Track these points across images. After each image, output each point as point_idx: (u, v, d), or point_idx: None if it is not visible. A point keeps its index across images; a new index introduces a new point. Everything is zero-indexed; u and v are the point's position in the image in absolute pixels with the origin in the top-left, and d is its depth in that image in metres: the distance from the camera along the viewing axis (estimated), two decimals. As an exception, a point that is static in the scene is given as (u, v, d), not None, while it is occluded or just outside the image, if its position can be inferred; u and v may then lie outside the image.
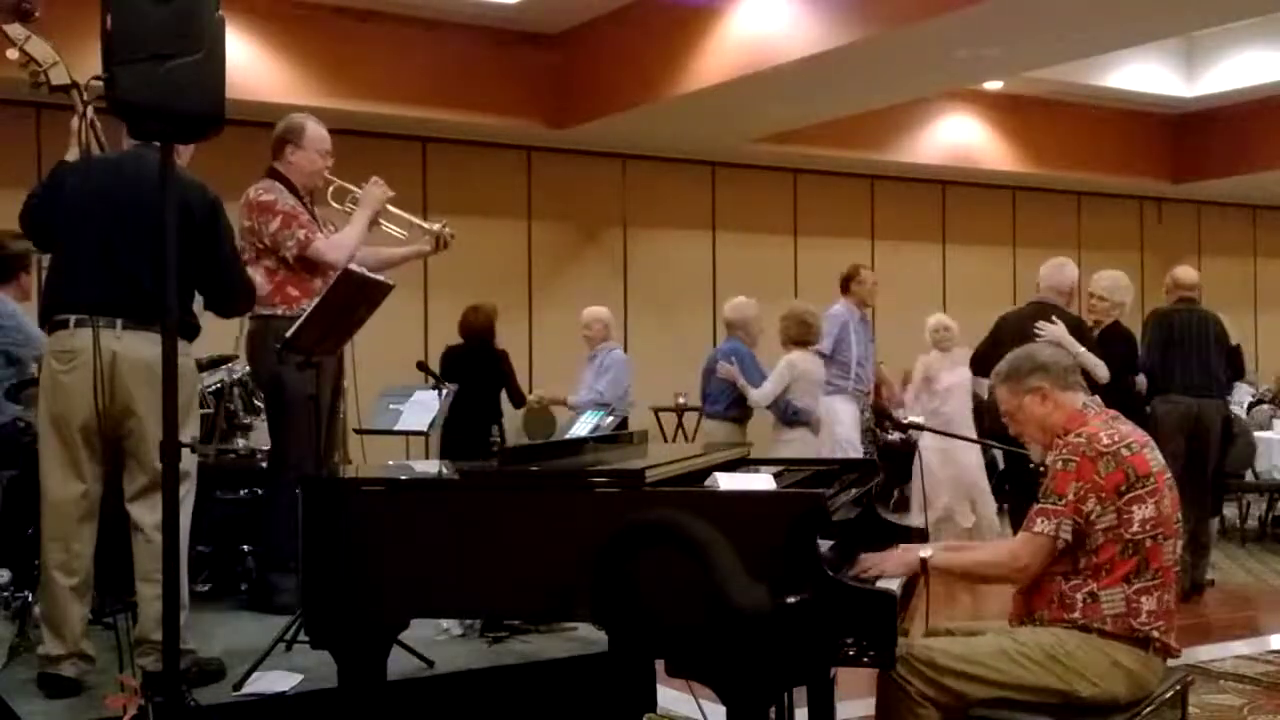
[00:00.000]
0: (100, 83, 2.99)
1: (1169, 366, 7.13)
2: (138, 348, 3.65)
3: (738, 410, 7.31)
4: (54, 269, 3.88)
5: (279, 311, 4.73)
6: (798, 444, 7.11)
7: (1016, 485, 6.20)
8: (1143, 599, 3.07)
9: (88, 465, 3.73)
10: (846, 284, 8.16)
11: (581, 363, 8.48)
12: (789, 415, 7.15)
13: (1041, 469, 3.28)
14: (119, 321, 3.67)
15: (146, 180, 3.71)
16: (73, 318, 3.72)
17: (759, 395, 7.16)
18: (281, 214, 4.76)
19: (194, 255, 3.64)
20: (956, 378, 8.18)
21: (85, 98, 3.95)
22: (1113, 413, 3.31)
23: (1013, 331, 6.09)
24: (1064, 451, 3.13)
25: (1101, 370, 6.11)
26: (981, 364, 6.55)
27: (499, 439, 7.70)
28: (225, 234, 3.90)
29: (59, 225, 3.84)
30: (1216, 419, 7.14)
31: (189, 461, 3.65)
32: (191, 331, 3.87)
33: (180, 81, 2.95)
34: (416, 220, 5.18)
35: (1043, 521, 3.09)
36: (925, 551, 3.17)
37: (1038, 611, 3.16)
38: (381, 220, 5.00)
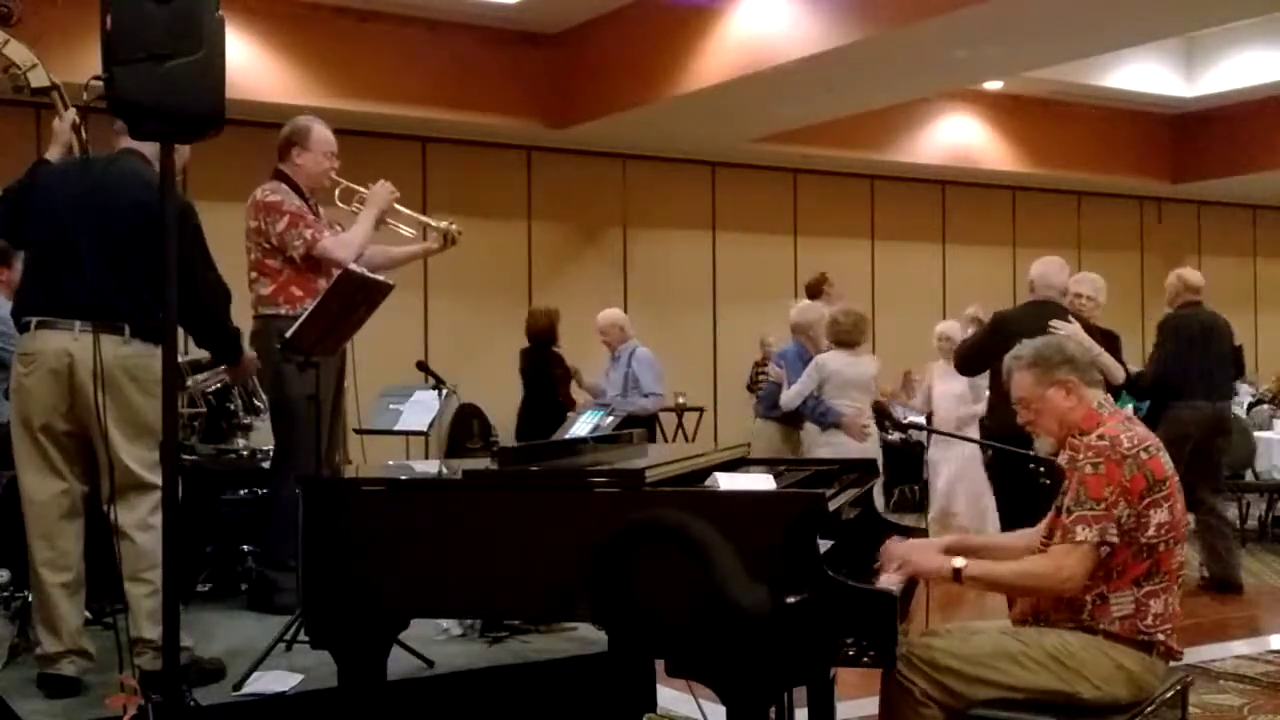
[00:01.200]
0: (100, 83, 2.99)
1: (1189, 371, 7.10)
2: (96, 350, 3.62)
3: (784, 411, 7.25)
4: (25, 271, 3.89)
5: (282, 311, 4.74)
6: (829, 449, 6.93)
7: (1013, 485, 6.05)
8: (1151, 602, 3.06)
9: (63, 464, 3.73)
10: (818, 290, 8.29)
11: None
12: (817, 416, 7.09)
13: (1041, 469, 3.27)
14: (77, 324, 3.65)
15: (117, 184, 3.71)
16: (34, 320, 3.72)
17: (784, 398, 7.09)
18: (289, 214, 4.77)
19: (159, 262, 3.58)
20: (945, 386, 8.18)
21: (67, 99, 3.95)
22: (1126, 413, 3.30)
23: (1019, 332, 5.66)
24: (1089, 455, 3.06)
25: (1118, 372, 6.01)
26: (975, 362, 6.34)
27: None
28: (192, 240, 3.81)
29: (30, 226, 3.85)
30: (1232, 420, 7.16)
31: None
32: (156, 334, 3.81)
33: (180, 81, 2.94)
34: (424, 218, 5.19)
35: (1084, 529, 3.00)
36: (960, 561, 3.06)
37: (1044, 611, 3.15)
38: (389, 219, 5.02)
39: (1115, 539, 3.01)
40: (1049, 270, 6.41)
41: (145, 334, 3.66)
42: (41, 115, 8.47)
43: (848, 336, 7.13)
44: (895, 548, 3.13)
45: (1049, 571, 3.06)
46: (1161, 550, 3.07)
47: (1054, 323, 5.75)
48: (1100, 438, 3.09)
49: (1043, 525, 3.32)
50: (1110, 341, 6.29)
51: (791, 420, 7.25)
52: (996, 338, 5.94)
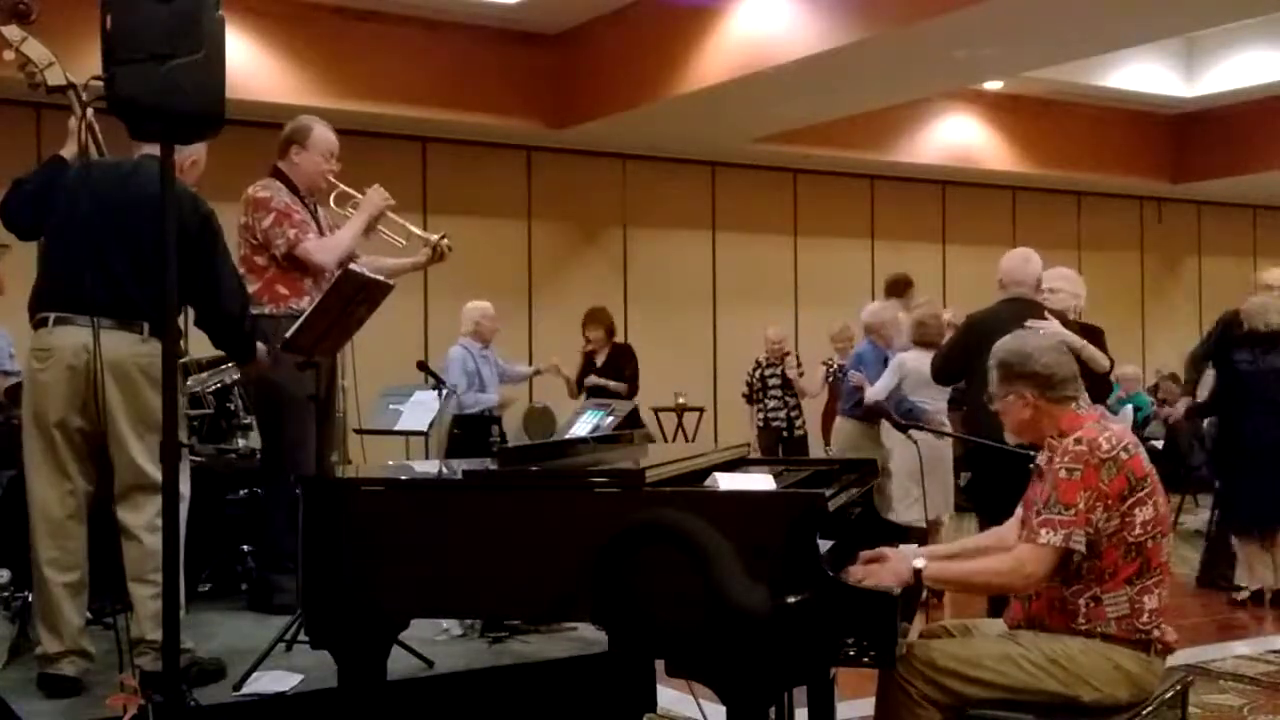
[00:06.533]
0: (100, 83, 2.99)
1: None
2: (112, 347, 3.63)
3: (864, 409, 7.55)
4: (41, 270, 3.88)
5: (266, 310, 4.72)
6: (912, 446, 6.96)
7: (997, 488, 5.62)
8: (1145, 598, 3.06)
9: (72, 463, 3.72)
10: (902, 290, 8.68)
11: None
12: (902, 412, 7.21)
13: (1033, 466, 3.27)
14: (95, 320, 3.65)
15: (142, 187, 3.71)
16: (52, 315, 3.72)
17: (869, 394, 7.41)
18: (275, 211, 4.77)
19: (183, 267, 3.60)
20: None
21: (82, 98, 3.95)
22: (1100, 410, 3.28)
23: (995, 334, 5.04)
24: (1065, 460, 3.06)
25: (1103, 361, 5.84)
26: (951, 372, 6.05)
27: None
28: (217, 248, 3.84)
29: (49, 223, 3.84)
30: None
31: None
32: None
33: (180, 81, 2.95)
34: (415, 229, 5.16)
35: (1048, 532, 3.00)
36: (919, 562, 3.03)
37: (1039, 617, 3.14)
38: (380, 227, 5.00)
39: (1082, 546, 3.00)
40: (1014, 265, 6.02)
41: (163, 333, 3.67)
42: (42, 115, 8.48)
43: (935, 337, 7.39)
44: (855, 569, 3.05)
45: (1010, 569, 3.08)
46: (1149, 546, 3.08)
47: (1031, 323, 5.36)
48: (1077, 441, 3.07)
49: (1015, 520, 3.34)
50: (1094, 337, 6.07)
51: (871, 418, 7.54)
52: (969, 342, 5.62)
